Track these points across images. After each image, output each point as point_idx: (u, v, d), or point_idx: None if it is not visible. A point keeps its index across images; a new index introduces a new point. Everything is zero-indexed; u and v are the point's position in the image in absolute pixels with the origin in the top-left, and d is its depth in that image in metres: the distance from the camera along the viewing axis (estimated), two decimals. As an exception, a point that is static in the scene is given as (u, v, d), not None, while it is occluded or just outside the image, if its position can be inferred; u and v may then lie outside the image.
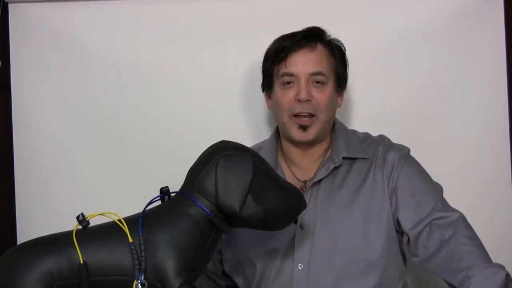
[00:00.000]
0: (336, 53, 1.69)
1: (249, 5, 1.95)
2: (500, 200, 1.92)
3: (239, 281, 1.73)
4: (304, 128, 1.64)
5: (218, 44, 1.96)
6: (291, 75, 1.64)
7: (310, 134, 1.65)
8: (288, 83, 1.65)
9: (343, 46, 1.71)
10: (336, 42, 1.70)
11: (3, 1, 1.95)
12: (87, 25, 1.96)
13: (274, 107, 1.71)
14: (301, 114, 1.63)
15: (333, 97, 1.68)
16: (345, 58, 1.71)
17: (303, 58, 1.64)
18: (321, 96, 1.64)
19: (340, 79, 1.70)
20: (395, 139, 1.72)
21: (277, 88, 1.67)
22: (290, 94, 1.64)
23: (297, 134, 1.65)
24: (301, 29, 1.68)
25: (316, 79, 1.64)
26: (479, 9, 1.92)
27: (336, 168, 1.66)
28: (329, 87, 1.66)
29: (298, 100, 1.62)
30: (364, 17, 1.94)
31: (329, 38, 1.69)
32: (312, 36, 1.66)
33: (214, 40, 1.96)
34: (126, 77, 1.97)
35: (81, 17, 1.96)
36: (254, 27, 1.94)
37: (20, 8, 1.97)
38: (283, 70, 1.65)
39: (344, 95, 1.76)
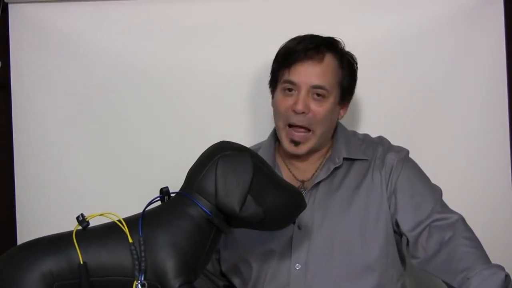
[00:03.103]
0: (345, 66, 1.66)
1: (252, 5, 1.95)
2: (500, 201, 1.93)
3: (236, 281, 1.73)
4: (296, 143, 1.64)
5: (219, 44, 1.96)
6: (292, 83, 1.63)
7: (302, 149, 1.64)
8: (289, 90, 1.64)
9: (355, 61, 1.69)
10: (347, 55, 1.68)
11: (3, 1, 1.95)
12: (87, 25, 1.97)
13: (273, 108, 1.71)
14: (295, 125, 1.62)
15: (333, 110, 1.65)
16: (354, 72, 1.69)
17: (308, 69, 1.62)
18: (319, 109, 1.62)
19: (345, 92, 1.67)
20: (394, 140, 1.72)
21: (278, 92, 1.67)
22: (289, 101, 1.63)
23: (288, 147, 1.65)
24: (318, 35, 1.66)
25: (316, 92, 1.62)
26: (479, 9, 1.92)
27: (336, 168, 1.66)
28: (330, 101, 1.64)
29: (294, 110, 1.62)
30: (364, 18, 1.94)
31: (340, 49, 1.67)
32: (322, 46, 1.64)
33: (215, 40, 1.96)
34: (126, 77, 1.97)
35: (81, 17, 1.96)
36: (256, 27, 1.94)
37: (20, 8, 1.97)
38: (286, 76, 1.64)
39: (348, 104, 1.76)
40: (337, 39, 1.68)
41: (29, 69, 1.98)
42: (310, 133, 1.63)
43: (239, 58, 1.93)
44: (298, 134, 1.63)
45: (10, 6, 1.97)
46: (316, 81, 1.62)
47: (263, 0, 1.95)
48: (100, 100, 1.98)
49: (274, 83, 1.70)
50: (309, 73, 1.62)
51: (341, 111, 1.70)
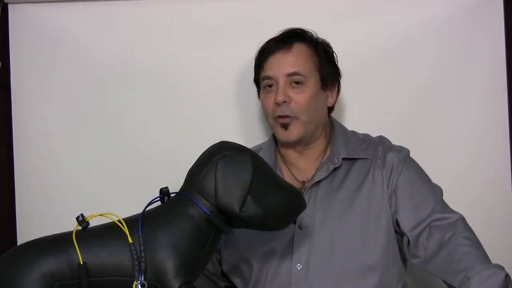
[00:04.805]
0: (320, 52, 1.68)
1: (248, 5, 1.95)
2: (500, 200, 1.92)
3: (236, 281, 1.73)
4: (285, 126, 1.65)
5: (220, 45, 1.96)
6: (269, 78, 1.66)
7: (292, 133, 1.65)
8: (270, 86, 1.66)
9: (328, 45, 1.71)
10: (318, 40, 1.70)
11: (3, 1, 1.95)
12: (87, 25, 1.96)
13: (263, 111, 1.72)
14: (281, 116, 1.64)
15: (317, 97, 1.66)
16: (331, 55, 1.71)
17: (280, 60, 1.65)
18: (300, 97, 1.64)
19: (326, 77, 1.68)
20: (395, 139, 1.72)
21: (261, 92, 1.70)
22: (271, 97, 1.65)
23: (281, 134, 1.66)
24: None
25: (294, 80, 1.64)
26: (479, 9, 1.91)
27: (335, 169, 1.66)
28: (310, 87, 1.65)
29: (276, 103, 1.63)
30: (364, 18, 1.93)
31: (311, 37, 1.69)
32: (290, 37, 1.67)
33: (216, 40, 1.96)
34: (125, 77, 1.97)
35: (81, 18, 1.96)
36: (253, 27, 1.94)
37: (20, 8, 1.96)
38: (262, 74, 1.68)
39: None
40: (306, 29, 1.70)
41: (29, 69, 1.98)
42: (294, 118, 1.64)
43: (240, 58, 1.92)
44: (285, 119, 1.64)
45: (10, 6, 1.97)
46: (289, 69, 1.64)
47: (264, 0, 1.95)
48: (100, 100, 1.97)
49: (258, 88, 1.73)
50: (281, 63, 1.65)
51: (330, 99, 1.71)
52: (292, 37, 1.67)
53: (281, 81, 1.64)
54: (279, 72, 1.64)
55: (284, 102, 1.63)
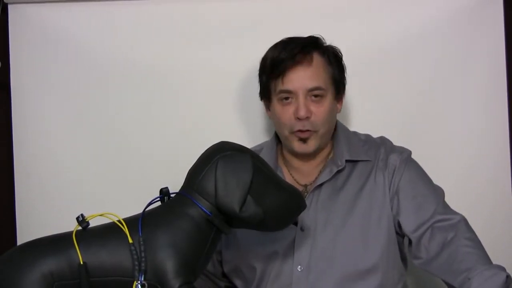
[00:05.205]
0: (332, 60, 1.66)
1: (248, 5, 1.95)
2: (500, 201, 1.92)
3: (238, 282, 1.73)
4: (304, 140, 1.63)
5: (221, 45, 1.95)
6: (288, 92, 1.62)
7: (310, 146, 1.64)
8: (286, 98, 1.63)
9: (339, 52, 1.69)
10: (331, 49, 1.68)
11: (3, 1, 1.95)
12: (87, 25, 1.96)
13: (274, 120, 1.70)
14: (301, 130, 1.62)
15: (332, 107, 1.66)
16: (341, 63, 1.69)
17: (301, 74, 1.61)
18: (320, 110, 1.62)
19: (339, 86, 1.68)
20: (395, 140, 1.72)
21: (276, 103, 1.66)
22: (289, 110, 1.62)
23: (297, 146, 1.64)
24: (296, 36, 1.66)
25: (314, 94, 1.62)
26: (479, 9, 1.91)
27: (338, 171, 1.65)
28: (328, 99, 1.64)
29: (298, 117, 1.61)
30: (364, 18, 1.93)
31: (324, 46, 1.67)
32: (308, 47, 1.63)
33: (216, 40, 1.95)
34: (125, 78, 1.96)
35: (81, 18, 1.96)
36: (253, 27, 1.94)
37: (20, 8, 1.96)
38: (280, 87, 1.63)
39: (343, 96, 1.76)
40: (317, 35, 1.67)
41: (29, 69, 1.98)
42: (315, 133, 1.63)
43: (241, 58, 1.92)
44: (305, 133, 1.63)
45: (10, 6, 1.97)
46: (311, 84, 1.62)
47: (264, 0, 1.95)
48: (99, 101, 1.97)
49: (267, 95, 1.69)
50: (302, 78, 1.61)
51: (338, 105, 1.70)
52: (309, 47, 1.63)
53: (301, 95, 1.61)
54: (300, 87, 1.61)
55: (307, 117, 1.61)
